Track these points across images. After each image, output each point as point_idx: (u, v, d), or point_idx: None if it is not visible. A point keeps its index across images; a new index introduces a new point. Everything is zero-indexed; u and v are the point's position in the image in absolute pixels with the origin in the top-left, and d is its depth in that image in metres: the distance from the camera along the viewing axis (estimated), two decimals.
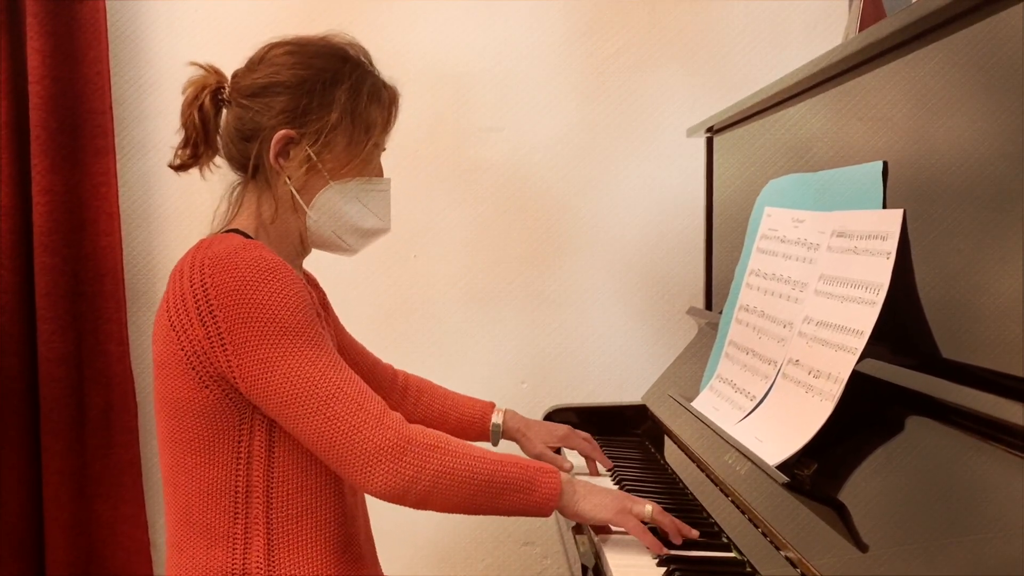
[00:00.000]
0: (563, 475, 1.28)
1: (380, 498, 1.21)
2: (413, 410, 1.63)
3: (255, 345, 1.19)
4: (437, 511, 1.24)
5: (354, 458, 1.18)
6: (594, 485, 1.31)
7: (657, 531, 1.26)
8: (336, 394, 1.19)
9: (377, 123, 1.34)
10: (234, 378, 1.20)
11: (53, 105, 2.24)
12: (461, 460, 1.21)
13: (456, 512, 1.25)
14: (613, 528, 1.33)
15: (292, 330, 1.20)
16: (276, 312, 1.19)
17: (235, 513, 1.24)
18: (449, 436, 1.25)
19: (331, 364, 1.21)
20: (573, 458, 1.66)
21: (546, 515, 1.27)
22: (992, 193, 0.98)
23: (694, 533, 1.26)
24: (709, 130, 2.01)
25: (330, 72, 1.31)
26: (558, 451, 1.66)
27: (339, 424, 1.18)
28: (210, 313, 1.19)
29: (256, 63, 1.33)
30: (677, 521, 1.26)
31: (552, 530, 2.36)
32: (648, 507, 1.26)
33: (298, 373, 1.19)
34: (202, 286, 1.20)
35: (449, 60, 2.40)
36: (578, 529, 1.41)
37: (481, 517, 2.38)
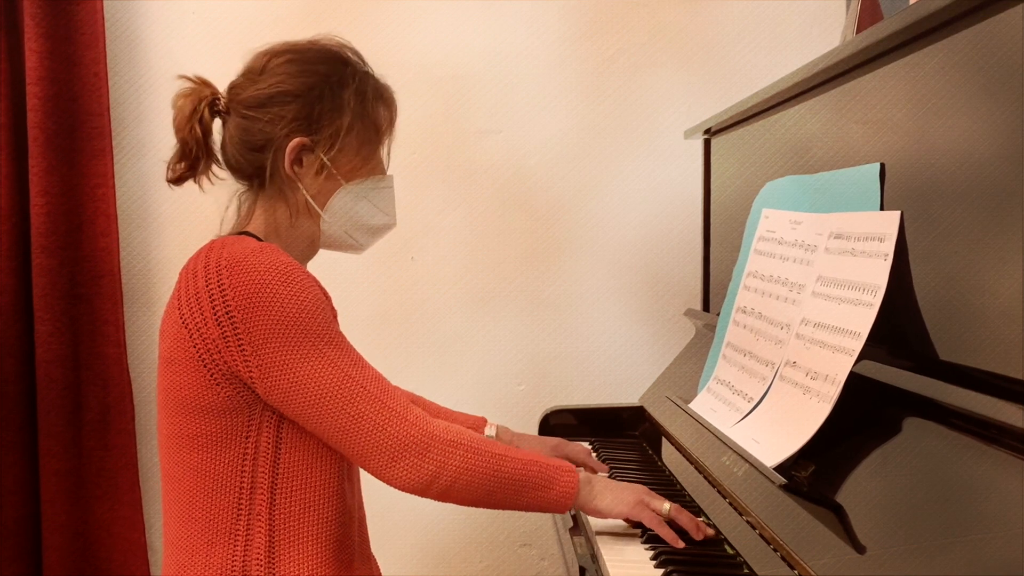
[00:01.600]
0: (581, 472, 1.31)
1: (403, 491, 1.25)
2: None
3: (275, 349, 1.20)
4: (458, 504, 1.27)
5: (379, 454, 1.22)
6: (612, 481, 1.34)
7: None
8: (360, 393, 1.22)
9: (384, 122, 1.37)
10: (252, 380, 1.22)
11: (51, 107, 2.24)
12: (483, 457, 1.24)
13: (476, 506, 1.28)
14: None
15: (312, 333, 1.22)
16: (295, 315, 1.21)
17: (238, 510, 1.25)
18: (472, 432, 1.27)
19: (352, 363, 1.24)
20: None
21: (563, 512, 1.31)
22: (991, 194, 0.99)
23: (710, 532, 1.28)
24: (707, 132, 2.01)
25: (335, 76, 1.32)
26: None
27: (363, 422, 1.21)
28: (227, 314, 1.20)
29: (257, 73, 1.33)
30: (696, 519, 1.29)
31: (550, 531, 2.36)
32: (666, 505, 1.29)
33: (321, 374, 1.21)
34: (219, 287, 1.21)
35: (448, 61, 2.40)
36: (575, 530, 1.41)
37: (478, 518, 2.41)
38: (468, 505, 1.28)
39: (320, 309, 1.24)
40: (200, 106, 1.32)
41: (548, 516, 1.66)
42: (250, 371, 1.21)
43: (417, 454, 1.22)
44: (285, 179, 1.32)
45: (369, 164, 1.36)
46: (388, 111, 1.37)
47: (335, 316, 1.30)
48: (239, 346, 1.20)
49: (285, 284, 1.21)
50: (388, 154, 1.41)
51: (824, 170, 1.38)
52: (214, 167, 1.36)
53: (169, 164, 1.35)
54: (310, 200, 1.33)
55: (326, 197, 1.34)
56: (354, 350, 1.27)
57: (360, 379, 1.23)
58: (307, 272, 1.26)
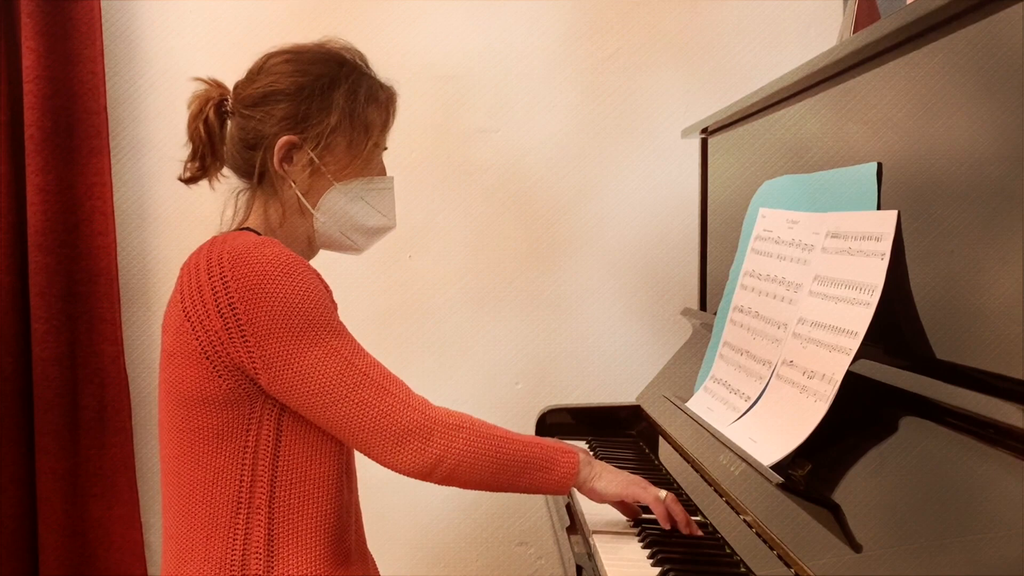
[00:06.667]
0: (581, 455, 1.32)
1: (408, 475, 1.26)
2: None
3: (278, 340, 1.22)
4: (461, 487, 1.29)
5: (383, 440, 1.23)
6: (611, 465, 1.35)
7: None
8: (362, 381, 1.23)
9: (376, 123, 1.38)
10: (255, 371, 1.23)
11: (48, 105, 2.24)
12: (485, 440, 1.26)
13: (479, 488, 1.29)
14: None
15: (314, 323, 1.23)
16: (297, 306, 1.22)
17: (238, 503, 1.26)
18: (473, 417, 1.29)
19: (353, 351, 1.25)
20: None
21: (564, 493, 1.33)
22: (989, 194, 0.99)
23: (698, 533, 1.30)
24: (704, 131, 2.01)
25: (327, 77, 1.34)
26: None
27: (367, 410, 1.23)
28: (229, 306, 1.22)
29: (255, 73, 1.36)
30: (688, 516, 1.31)
31: (547, 530, 2.36)
32: (663, 492, 1.31)
33: (324, 364, 1.22)
34: (221, 279, 1.22)
35: (447, 61, 2.40)
36: (572, 529, 1.41)
37: (476, 517, 2.41)
38: (471, 488, 1.29)
39: (321, 300, 1.25)
40: (206, 107, 1.36)
41: (545, 514, 1.66)
42: (253, 363, 1.22)
43: (421, 438, 1.23)
44: (276, 176, 1.34)
45: (358, 163, 1.36)
46: (381, 113, 1.38)
47: (336, 308, 1.31)
48: (242, 338, 1.22)
49: (286, 276, 1.23)
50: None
51: (822, 169, 1.38)
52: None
53: (184, 163, 1.39)
54: (301, 198, 1.35)
55: (317, 195, 1.35)
56: (355, 339, 1.28)
57: (363, 367, 1.24)
58: (308, 264, 1.28)
